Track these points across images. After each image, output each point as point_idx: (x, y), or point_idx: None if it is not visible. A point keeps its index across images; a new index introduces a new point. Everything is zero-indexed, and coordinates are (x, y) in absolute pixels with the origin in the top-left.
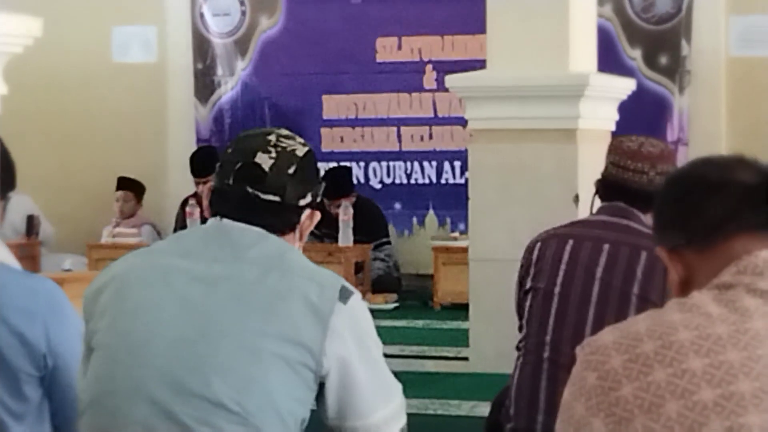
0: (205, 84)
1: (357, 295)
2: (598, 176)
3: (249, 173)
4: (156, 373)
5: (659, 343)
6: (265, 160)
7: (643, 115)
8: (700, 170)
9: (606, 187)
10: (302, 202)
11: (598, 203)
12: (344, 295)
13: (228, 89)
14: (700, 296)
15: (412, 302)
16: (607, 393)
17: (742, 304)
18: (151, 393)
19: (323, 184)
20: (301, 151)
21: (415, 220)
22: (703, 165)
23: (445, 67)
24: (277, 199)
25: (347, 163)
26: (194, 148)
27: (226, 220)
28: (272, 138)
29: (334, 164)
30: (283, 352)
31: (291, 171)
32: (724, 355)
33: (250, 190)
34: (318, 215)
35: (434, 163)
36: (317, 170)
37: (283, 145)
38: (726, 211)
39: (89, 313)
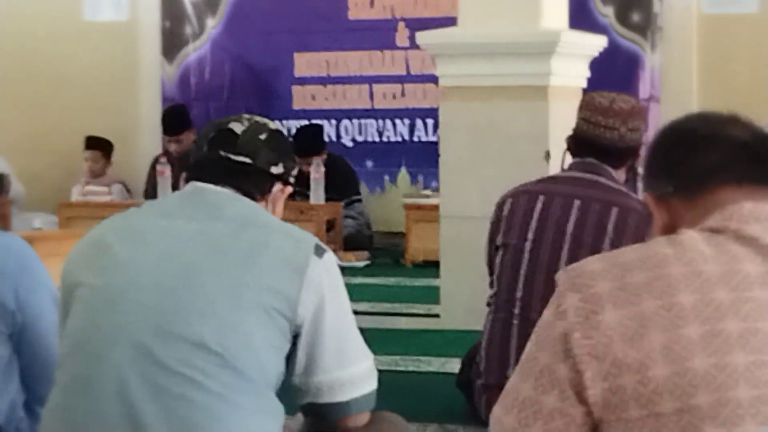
0: (173, 43)
1: (330, 254)
2: (570, 133)
3: (222, 138)
4: (136, 318)
5: (651, 275)
6: (237, 127)
7: (615, 72)
8: (693, 123)
9: (577, 144)
10: (274, 170)
11: (569, 159)
12: (319, 251)
13: (196, 47)
14: (690, 234)
15: (383, 260)
16: (588, 316)
17: (732, 248)
18: (132, 336)
19: (297, 167)
20: (273, 125)
21: (387, 177)
22: (696, 119)
23: (417, 25)
24: (248, 160)
25: (319, 121)
26: (160, 107)
27: (200, 183)
28: (246, 115)
29: (305, 122)
30: (261, 299)
31: (263, 137)
32: (715, 293)
33: (222, 153)
34: (289, 190)
35: (406, 121)
36: (290, 146)
37: (256, 118)
38: (714, 163)
39: (69, 272)
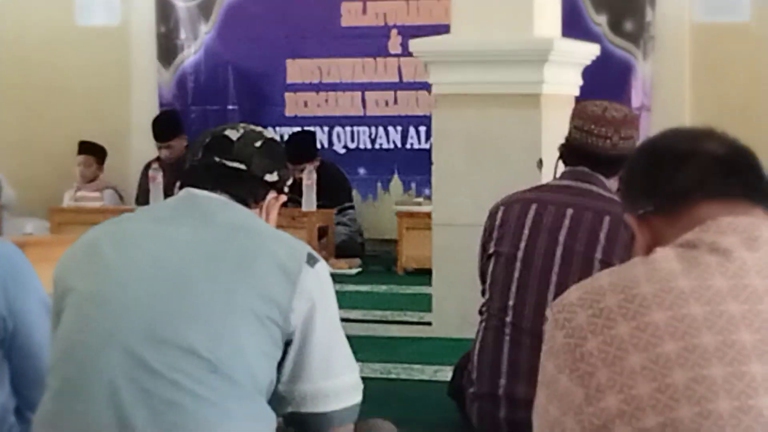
0: (168, 48)
1: (323, 263)
2: (562, 141)
3: (217, 144)
4: (127, 324)
5: (622, 297)
6: (233, 134)
7: (607, 81)
8: (669, 140)
9: (570, 152)
10: (268, 177)
11: (561, 168)
12: (312, 260)
13: (191, 53)
14: (663, 252)
15: (375, 267)
16: (572, 350)
17: (704, 261)
18: (122, 341)
19: (291, 176)
20: (268, 134)
21: (379, 184)
22: (672, 135)
23: (410, 32)
24: (242, 167)
25: (311, 128)
26: (157, 112)
27: (193, 189)
28: (241, 124)
29: (298, 129)
30: (252, 306)
31: (258, 144)
32: (687, 308)
33: (217, 159)
34: (283, 198)
35: (399, 128)
36: (285, 155)
37: (252, 126)
38: (692, 180)
39: (60, 278)
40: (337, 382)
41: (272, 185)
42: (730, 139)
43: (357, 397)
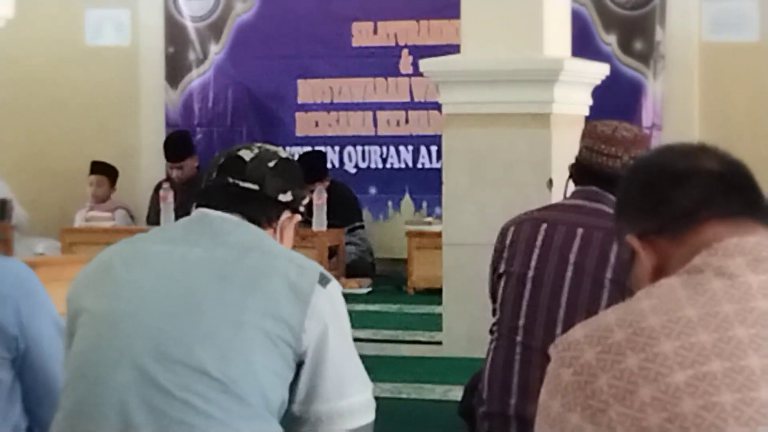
0: (176, 68)
1: (335, 283)
2: (572, 161)
3: (231, 165)
4: (138, 343)
5: (630, 331)
6: (246, 154)
7: (618, 101)
8: (665, 158)
9: (580, 171)
10: (282, 197)
11: (572, 187)
12: (324, 280)
13: (200, 73)
14: (668, 282)
15: (385, 286)
16: (583, 387)
17: (710, 287)
18: (133, 361)
19: (306, 196)
20: (283, 154)
21: (390, 204)
22: (668, 152)
23: (420, 52)
24: (255, 187)
25: (322, 148)
26: (164, 132)
27: (206, 209)
28: (256, 143)
29: (308, 149)
30: (264, 326)
31: (271, 164)
32: (696, 336)
33: (230, 180)
34: (298, 218)
35: (410, 148)
36: (300, 175)
37: (267, 146)
38: (696, 199)
39: (73, 298)
40: (353, 401)
41: (286, 205)
42: (724, 155)
43: (371, 415)
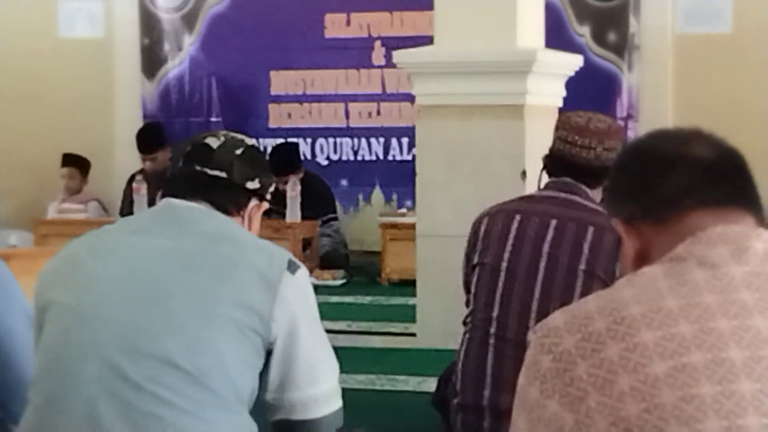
0: (151, 59)
1: (303, 269)
2: (546, 152)
3: (198, 153)
4: (106, 336)
5: (610, 320)
6: (213, 142)
7: (592, 93)
8: (656, 143)
9: (553, 163)
10: (250, 185)
11: (545, 179)
12: (292, 267)
13: (175, 65)
14: (650, 270)
15: (359, 278)
16: (561, 375)
17: (692, 277)
18: (102, 354)
19: (273, 184)
20: (249, 141)
21: (361, 196)
22: (659, 137)
23: (393, 44)
24: (224, 175)
25: (294, 139)
26: (140, 123)
27: (173, 199)
28: (222, 131)
29: (281, 140)
30: (233, 315)
31: (238, 152)
32: (676, 327)
33: (198, 168)
34: (266, 206)
35: (381, 140)
36: (266, 163)
37: (233, 134)
38: (682, 187)
39: (41, 292)
40: (325, 387)
41: (254, 193)
42: (719, 142)
43: (340, 400)
